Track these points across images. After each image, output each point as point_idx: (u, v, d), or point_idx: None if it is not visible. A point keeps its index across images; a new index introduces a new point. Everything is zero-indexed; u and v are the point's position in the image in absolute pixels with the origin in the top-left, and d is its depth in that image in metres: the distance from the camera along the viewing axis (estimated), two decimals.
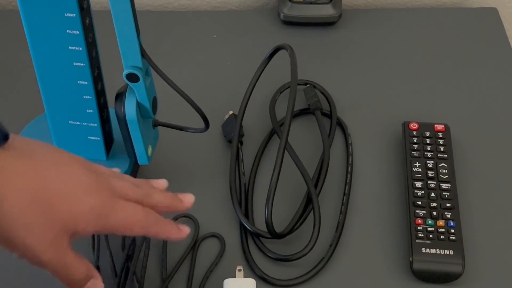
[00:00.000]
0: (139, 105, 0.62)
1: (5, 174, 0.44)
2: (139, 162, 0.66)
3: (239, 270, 0.61)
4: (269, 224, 0.62)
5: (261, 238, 0.65)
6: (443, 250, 0.61)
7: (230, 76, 0.81)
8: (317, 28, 0.87)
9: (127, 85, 0.61)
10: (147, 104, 0.62)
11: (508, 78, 0.81)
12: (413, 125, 0.71)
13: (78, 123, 0.65)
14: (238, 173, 0.70)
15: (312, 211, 0.65)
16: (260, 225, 0.65)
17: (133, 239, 0.63)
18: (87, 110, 0.63)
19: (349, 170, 0.70)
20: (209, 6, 0.94)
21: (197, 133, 0.67)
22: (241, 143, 0.72)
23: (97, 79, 0.63)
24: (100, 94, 0.64)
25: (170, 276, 0.62)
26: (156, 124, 0.66)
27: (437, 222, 0.63)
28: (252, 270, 0.63)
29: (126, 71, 0.59)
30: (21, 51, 0.84)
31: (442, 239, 0.62)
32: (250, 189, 0.69)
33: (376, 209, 0.68)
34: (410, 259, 0.62)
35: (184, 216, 0.66)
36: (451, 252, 0.61)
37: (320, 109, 0.75)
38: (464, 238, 0.63)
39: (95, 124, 0.64)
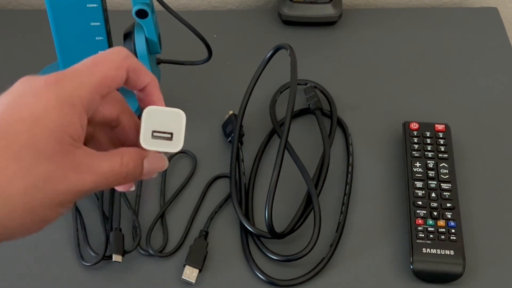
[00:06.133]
0: (147, 41, 0.66)
1: None
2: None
3: None
4: (269, 224, 0.62)
5: (261, 238, 0.65)
6: (443, 250, 0.61)
7: (230, 76, 0.81)
8: (317, 28, 0.87)
9: (133, 25, 0.66)
10: (155, 39, 0.66)
11: (508, 78, 0.81)
12: (414, 125, 0.71)
13: None
14: (238, 173, 0.70)
15: (312, 211, 0.65)
16: (260, 225, 0.65)
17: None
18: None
19: (350, 170, 0.70)
20: (209, 6, 0.94)
21: (200, 64, 0.72)
22: (241, 143, 0.72)
23: (106, 21, 0.66)
24: (109, 35, 0.68)
25: (169, 201, 0.68)
26: (159, 61, 0.72)
27: (438, 222, 0.63)
28: (252, 270, 0.63)
29: (136, 8, 0.63)
30: (21, 50, 0.84)
31: (442, 239, 0.62)
32: (250, 189, 0.69)
33: (377, 209, 0.68)
34: (411, 259, 0.62)
35: (182, 152, 0.72)
36: (452, 252, 0.61)
37: (320, 109, 0.75)
38: (464, 238, 0.63)
39: None
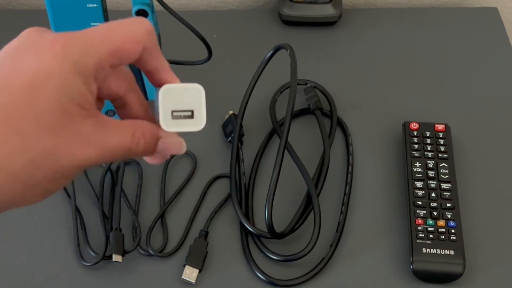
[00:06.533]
0: None
1: None
2: (149, 98, 0.69)
3: None
4: (269, 224, 0.62)
5: (261, 238, 0.65)
6: (443, 250, 0.61)
7: (230, 76, 0.81)
8: (317, 28, 0.87)
9: None
10: None
11: (508, 78, 0.81)
12: (414, 125, 0.71)
13: None
14: (238, 173, 0.70)
15: (312, 211, 0.65)
16: (260, 225, 0.65)
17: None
18: None
19: (350, 170, 0.70)
20: (209, 6, 0.94)
21: (200, 64, 0.71)
22: (241, 143, 0.72)
23: (106, 20, 0.66)
24: None
25: (169, 201, 0.68)
26: None
27: (438, 222, 0.63)
28: (252, 270, 0.63)
29: (136, 8, 0.63)
30: None
31: (442, 239, 0.62)
32: (250, 189, 0.69)
33: (377, 209, 0.68)
34: (411, 259, 0.62)
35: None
36: (452, 252, 0.61)
37: (320, 109, 0.75)
38: (464, 238, 0.63)
39: None
